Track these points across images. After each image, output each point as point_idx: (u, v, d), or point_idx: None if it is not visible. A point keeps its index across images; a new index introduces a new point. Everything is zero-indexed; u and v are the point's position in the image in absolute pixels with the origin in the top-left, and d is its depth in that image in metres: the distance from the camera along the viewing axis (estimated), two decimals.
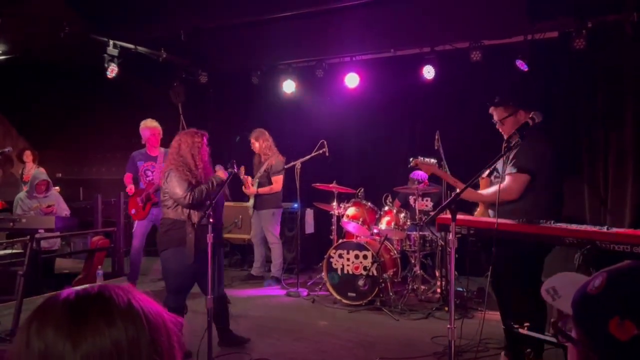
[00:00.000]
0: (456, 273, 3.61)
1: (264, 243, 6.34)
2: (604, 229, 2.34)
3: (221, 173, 3.82)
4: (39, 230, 4.30)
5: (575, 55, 5.54)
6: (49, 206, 6.31)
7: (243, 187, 6.22)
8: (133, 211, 5.63)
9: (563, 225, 2.51)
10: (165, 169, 3.81)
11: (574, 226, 2.48)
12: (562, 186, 3.25)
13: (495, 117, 3.43)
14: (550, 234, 2.48)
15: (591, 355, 0.88)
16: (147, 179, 5.61)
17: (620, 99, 5.55)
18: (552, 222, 2.54)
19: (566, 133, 5.93)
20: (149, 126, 5.64)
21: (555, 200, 3.15)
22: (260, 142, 6.19)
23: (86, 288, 0.83)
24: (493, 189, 3.26)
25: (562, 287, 1.02)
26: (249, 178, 6.16)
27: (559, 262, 3.98)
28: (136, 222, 5.64)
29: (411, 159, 3.55)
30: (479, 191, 3.33)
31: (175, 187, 3.66)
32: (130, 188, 5.61)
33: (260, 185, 6.14)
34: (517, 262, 2.92)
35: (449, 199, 2.55)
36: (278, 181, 6.08)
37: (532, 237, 2.70)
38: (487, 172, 3.29)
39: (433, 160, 3.49)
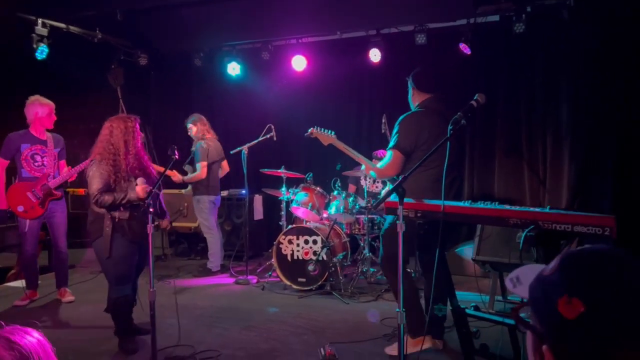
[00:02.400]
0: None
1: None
2: (546, 210, 2.39)
3: (140, 191, 3.44)
4: None
5: (515, 39, 5.67)
6: None
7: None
8: (21, 208, 4.58)
9: (507, 206, 2.56)
10: (92, 157, 3.59)
11: (517, 207, 2.53)
12: (449, 168, 3.06)
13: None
14: (495, 215, 2.51)
15: (543, 338, 0.87)
16: (36, 164, 4.66)
17: (557, 82, 5.75)
18: (496, 203, 2.58)
19: (507, 115, 6.10)
20: (44, 103, 4.71)
21: (437, 181, 3.15)
22: (198, 127, 5.96)
23: None
24: (379, 164, 3.46)
25: (524, 276, 1.03)
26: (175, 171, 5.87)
27: (501, 242, 4.11)
28: (27, 221, 4.66)
29: (309, 129, 3.66)
30: (377, 165, 3.47)
31: (92, 181, 3.49)
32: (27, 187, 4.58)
33: (191, 172, 5.92)
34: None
35: (396, 183, 2.53)
36: (201, 167, 5.76)
37: (478, 219, 2.74)
38: None
39: (330, 132, 3.61)
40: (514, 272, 1.06)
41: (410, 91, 3.60)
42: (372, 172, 3.50)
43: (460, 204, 2.68)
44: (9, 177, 4.88)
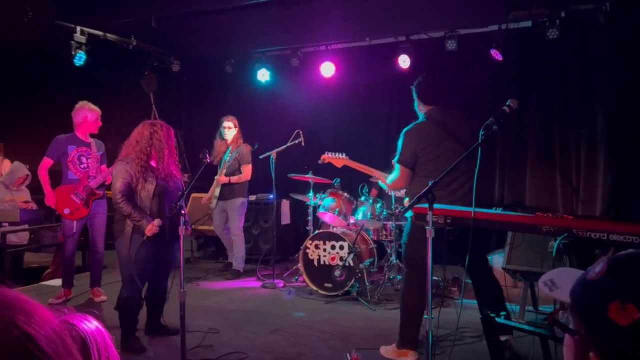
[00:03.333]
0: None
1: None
2: (580, 218, 2.34)
3: (150, 227, 3.56)
4: (3, 224, 4.13)
5: (548, 45, 5.58)
6: (26, 202, 6.13)
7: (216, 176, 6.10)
8: (67, 211, 4.73)
9: (540, 213, 2.51)
10: (123, 154, 3.67)
11: (550, 215, 2.47)
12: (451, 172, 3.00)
13: None
14: (527, 223, 2.47)
15: (589, 344, 0.85)
16: (81, 166, 4.84)
17: (592, 88, 5.62)
18: (527, 210, 2.54)
19: (539, 122, 5.99)
20: (93, 108, 4.91)
21: (442, 190, 3.22)
22: (238, 129, 6.12)
23: None
24: (389, 178, 3.55)
25: (560, 280, 1.00)
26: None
27: (533, 251, 4.02)
28: (75, 222, 4.82)
29: (321, 157, 3.95)
30: (388, 179, 3.57)
31: (117, 179, 3.59)
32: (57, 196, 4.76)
33: (228, 174, 6.05)
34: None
35: (425, 189, 2.52)
36: (248, 170, 6.00)
37: (509, 226, 2.70)
38: None
39: (342, 155, 3.85)
40: (546, 275, 1.04)
41: (416, 101, 3.62)
42: (384, 185, 3.65)
43: (492, 211, 2.65)
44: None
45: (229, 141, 6.11)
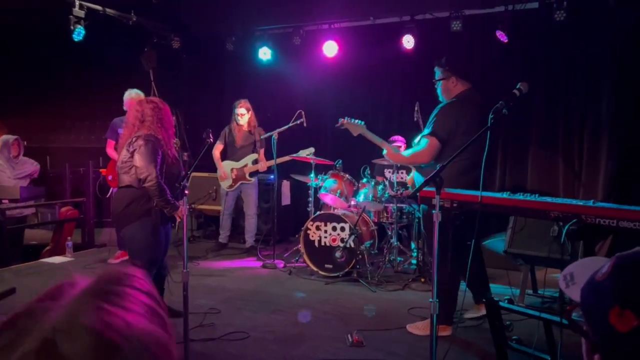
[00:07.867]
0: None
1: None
2: (590, 204, 2.31)
3: (179, 211, 3.45)
4: (3, 201, 4.11)
5: (555, 27, 5.50)
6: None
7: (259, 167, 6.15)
8: (110, 177, 5.58)
9: (548, 199, 2.49)
10: (135, 132, 3.45)
11: (559, 200, 2.45)
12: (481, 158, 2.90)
13: (435, 77, 3.50)
14: (535, 208, 2.45)
15: (595, 346, 0.82)
16: None
17: (598, 73, 5.56)
18: (536, 195, 2.52)
19: (543, 106, 5.93)
20: (126, 96, 5.44)
21: (469, 170, 3.17)
22: (251, 113, 6.13)
23: None
24: (410, 150, 3.45)
25: (579, 274, 0.96)
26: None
27: (535, 235, 4.02)
28: (112, 189, 5.57)
29: (339, 120, 3.75)
30: (402, 152, 3.43)
31: (145, 159, 3.36)
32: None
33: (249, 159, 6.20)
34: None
35: (433, 172, 2.49)
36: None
37: (516, 211, 2.68)
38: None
39: (360, 122, 3.69)
40: (569, 267, 1.01)
41: (444, 80, 3.40)
42: (392, 160, 3.56)
43: (499, 195, 2.63)
44: None
45: (244, 126, 6.10)
